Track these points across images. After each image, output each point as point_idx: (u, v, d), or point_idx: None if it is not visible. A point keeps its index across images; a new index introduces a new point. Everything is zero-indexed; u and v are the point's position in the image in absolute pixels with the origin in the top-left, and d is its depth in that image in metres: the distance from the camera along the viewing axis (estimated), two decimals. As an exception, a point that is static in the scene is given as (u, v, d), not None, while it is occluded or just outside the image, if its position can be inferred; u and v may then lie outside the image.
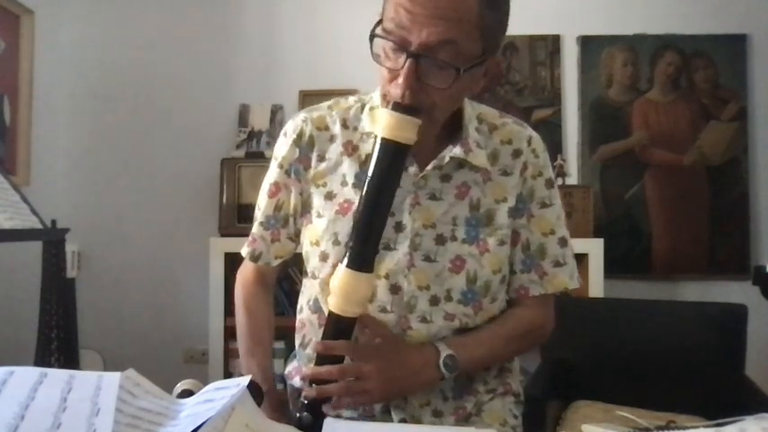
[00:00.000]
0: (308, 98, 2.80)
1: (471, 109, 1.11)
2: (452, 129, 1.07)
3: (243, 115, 2.83)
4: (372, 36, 0.95)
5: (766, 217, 2.76)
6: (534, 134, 1.14)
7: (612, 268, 2.52)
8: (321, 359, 1.00)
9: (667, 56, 2.79)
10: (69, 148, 2.86)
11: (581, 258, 2.47)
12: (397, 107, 0.93)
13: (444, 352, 1.03)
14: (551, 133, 2.79)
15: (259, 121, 2.81)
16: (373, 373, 0.98)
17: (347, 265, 0.95)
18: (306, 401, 0.99)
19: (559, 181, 2.59)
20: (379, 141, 0.95)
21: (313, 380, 1.00)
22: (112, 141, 2.88)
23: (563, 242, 1.13)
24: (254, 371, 1.12)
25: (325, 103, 1.17)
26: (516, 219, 1.10)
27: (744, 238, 2.74)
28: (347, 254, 0.96)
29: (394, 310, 1.05)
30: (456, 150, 1.05)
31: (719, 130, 2.76)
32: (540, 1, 2.80)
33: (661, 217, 2.76)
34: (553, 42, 2.81)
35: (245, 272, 1.23)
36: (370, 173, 0.95)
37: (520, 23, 2.78)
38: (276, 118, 2.80)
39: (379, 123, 0.95)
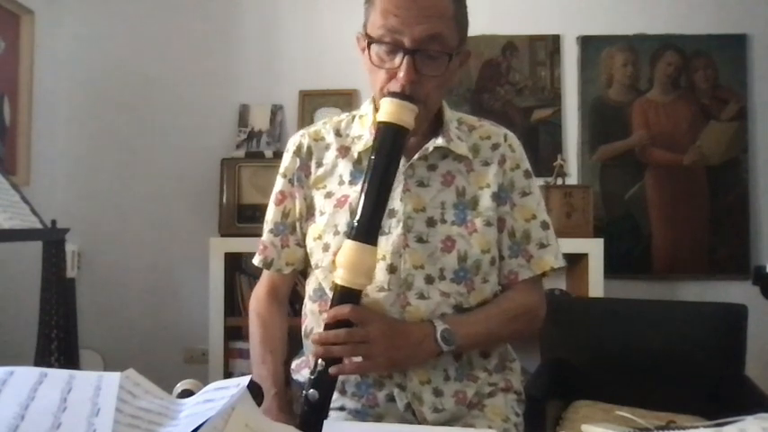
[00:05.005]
0: (308, 98, 2.80)
1: (451, 113, 1.23)
2: (435, 126, 1.19)
3: (243, 115, 2.83)
4: (369, 44, 1.07)
5: (766, 217, 2.76)
6: (509, 132, 1.26)
7: (612, 268, 2.52)
8: (329, 330, 1.03)
9: (667, 56, 2.79)
10: (69, 148, 2.86)
11: (581, 258, 2.48)
12: (396, 95, 1.03)
13: (440, 326, 1.09)
14: (551, 133, 2.79)
15: (259, 121, 2.81)
16: (379, 337, 1.03)
17: (353, 238, 1.00)
18: (312, 377, 1.02)
19: (559, 181, 2.59)
20: (380, 126, 1.03)
21: (321, 343, 1.03)
22: (112, 141, 2.88)
23: (545, 225, 1.22)
24: (264, 376, 1.16)
25: (321, 121, 1.30)
26: (500, 205, 1.19)
27: (744, 238, 2.74)
28: (353, 229, 1.01)
29: (392, 288, 1.12)
30: (439, 141, 1.17)
31: (719, 130, 2.76)
32: (540, 1, 2.80)
33: (661, 217, 2.76)
34: (553, 42, 2.81)
35: (259, 288, 1.31)
36: (372, 155, 1.03)
37: (520, 23, 2.84)
38: (276, 118, 2.80)
39: (381, 110, 1.04)
